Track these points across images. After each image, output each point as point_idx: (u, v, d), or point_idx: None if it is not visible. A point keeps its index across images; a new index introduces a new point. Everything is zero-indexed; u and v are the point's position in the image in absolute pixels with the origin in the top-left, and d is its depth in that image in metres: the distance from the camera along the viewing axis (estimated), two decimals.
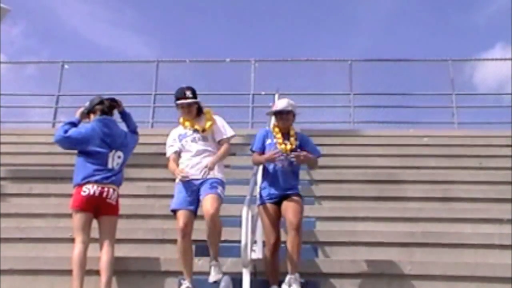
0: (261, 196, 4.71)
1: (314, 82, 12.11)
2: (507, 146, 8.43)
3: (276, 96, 9.55)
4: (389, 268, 4.82)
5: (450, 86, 11.60)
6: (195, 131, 4.76)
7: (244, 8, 30.77)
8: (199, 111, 4.84)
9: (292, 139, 4.69)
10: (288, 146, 4.63)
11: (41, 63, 13.35)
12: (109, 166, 4.68)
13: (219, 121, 4.89)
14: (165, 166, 8.03)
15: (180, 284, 4.49)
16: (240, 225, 4.23)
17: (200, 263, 4.83)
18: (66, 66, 12.32)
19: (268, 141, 4.74)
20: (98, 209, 4.60)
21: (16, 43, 25.91)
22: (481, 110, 11.88)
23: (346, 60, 12.06)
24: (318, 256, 5.27)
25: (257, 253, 4.89)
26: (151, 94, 12.18)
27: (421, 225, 6.01)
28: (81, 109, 4.89)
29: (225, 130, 4.85)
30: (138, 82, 12.75)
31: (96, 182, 4.58)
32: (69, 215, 4.72)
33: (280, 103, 4.76)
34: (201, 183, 4.57)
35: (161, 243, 5.53)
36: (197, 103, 4.81)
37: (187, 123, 4.81)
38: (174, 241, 5.47)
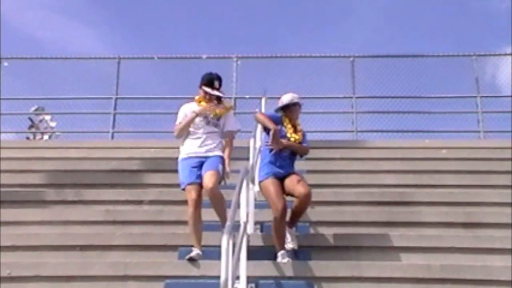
0: (263, 173, 5.93)
1: (308, 83, 12.08)
2: None
3: (263, 100, 9.58)
4: None
5: (475, 86, 11.65)
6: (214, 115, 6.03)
7: None
8: (218, 99, 6.13)
9: (299, 133, 6.09)
10: (297, 137, 6.04)
11: None
12: None
13: (232, 114, 6.28)
14: (128, 185, 8.14)
15: (190, 251, 5.47)
16: (219, 257, 4.22)
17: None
18: (5, 64, 12.23)
19: (279, 126, 5.96)
20: None
21: None
22: None
23: (347, 56, 12.11)
24: None
25: None
26: (111, 98, 12.10)
27: (439, 256, 6.04)
28: None
29: (235, 124, 6.24)
30: (95, 83, 12.62)
31: None
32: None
33: (286, 98, 6.15)
34: (204, 161, 5.82)
35: (123, 280, 5.49)
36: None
37: (203, 103, 6.07)
38: (138, 278, 5.48)
